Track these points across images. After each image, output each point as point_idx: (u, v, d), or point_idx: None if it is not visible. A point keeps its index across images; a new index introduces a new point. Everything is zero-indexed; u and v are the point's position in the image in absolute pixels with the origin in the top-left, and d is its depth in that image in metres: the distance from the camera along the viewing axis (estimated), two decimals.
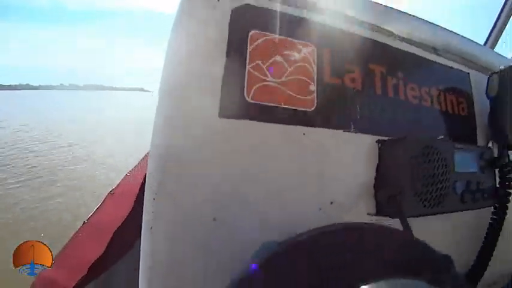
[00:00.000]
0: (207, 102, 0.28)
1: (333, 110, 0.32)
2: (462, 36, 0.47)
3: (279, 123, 0.29)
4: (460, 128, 0.44)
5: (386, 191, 0.32)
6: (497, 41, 0.89)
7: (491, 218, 0.44)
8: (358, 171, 0.33)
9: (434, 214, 0.35)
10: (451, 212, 0.37)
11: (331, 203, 0.31)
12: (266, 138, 0.29)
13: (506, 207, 0.44)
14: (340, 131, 0.32)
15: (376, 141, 0.33)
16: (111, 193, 0.73)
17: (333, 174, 0.32)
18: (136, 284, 0.30)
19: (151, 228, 0.27)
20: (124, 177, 0.75)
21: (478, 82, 0.45)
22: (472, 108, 0.45)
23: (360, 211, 0.33)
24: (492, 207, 0.44)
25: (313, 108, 0.31)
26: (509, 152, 0.50)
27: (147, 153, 0.31)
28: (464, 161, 0.38)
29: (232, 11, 0.29)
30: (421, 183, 0.33)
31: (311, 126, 0.31)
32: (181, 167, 0.27)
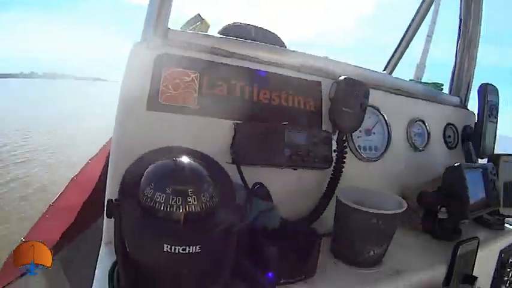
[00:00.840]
0: (141, 101, 0.58)
1: (207, 106, 0.61)
2: (321, 57, 0.71)
3: (176, 113, 0.59)
4: (310, 119, 0.69)
5: (234, 150, 0.61)
6: (396, 65, 1.04)
7: (330, 178, 0.70)
8: (223, 139, 0.62)
9: (268, 166, 0.63)
10: (283, 165, 0.64)
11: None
12: (170, 121, 0.59)
13: (340, 171, 0.69)
14: (210, 117, 0.61)
15: (233, 123, 0.62)
16: (74, 178, 0.83)
17: (207, 139, 0.61)
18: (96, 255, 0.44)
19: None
20: (86, 164, 0.83)
21: (328, 88, 0.69)
22: (320, 106, 0.70)
23: (224, 160, 0.62)
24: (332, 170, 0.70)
25: (195, 106, 0.60)
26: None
27: (107, 142, 0.58)
28: (294, 136, 0.64)
29: (156, 56, 0.59)
30: (255, 146, 0.61)
31: (194, 115, 0.60)
32: (130, 132, 0.58)
